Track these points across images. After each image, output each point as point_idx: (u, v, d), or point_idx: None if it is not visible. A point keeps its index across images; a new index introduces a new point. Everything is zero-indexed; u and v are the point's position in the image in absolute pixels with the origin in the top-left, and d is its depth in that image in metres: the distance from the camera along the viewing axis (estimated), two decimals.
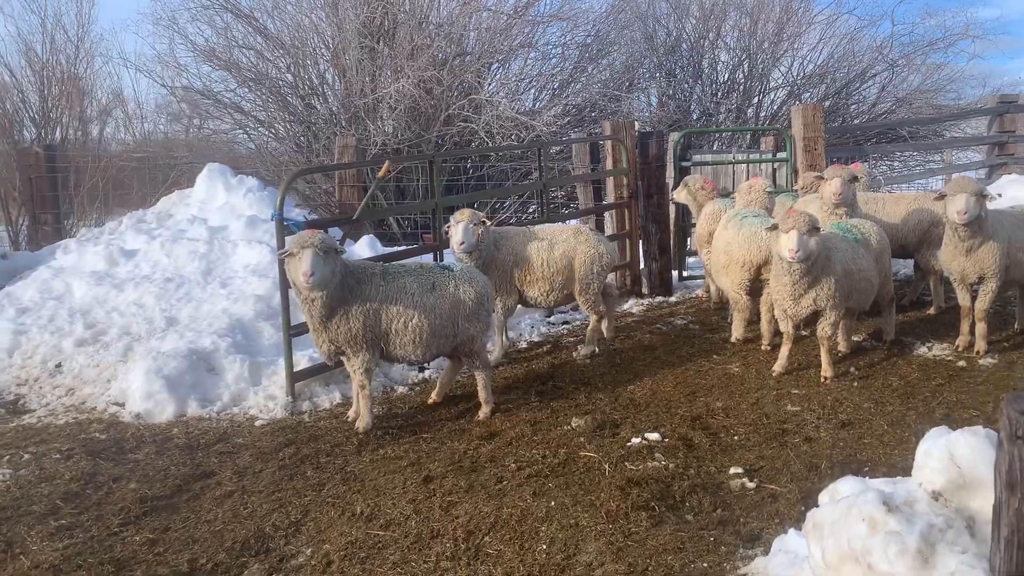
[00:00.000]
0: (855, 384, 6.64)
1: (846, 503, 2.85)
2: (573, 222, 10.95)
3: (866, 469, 5.13)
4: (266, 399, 6.38)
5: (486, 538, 4.36)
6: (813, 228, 6.24)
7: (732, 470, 5.12)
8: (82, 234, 9.84)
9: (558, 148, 15.32)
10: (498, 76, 17.10)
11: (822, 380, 6.69)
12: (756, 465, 5.21)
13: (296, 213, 9.12)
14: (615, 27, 18.28)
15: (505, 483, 4.98)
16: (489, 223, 6.97)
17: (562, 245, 7.32)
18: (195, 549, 4.41)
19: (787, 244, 6.28)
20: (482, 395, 6.16)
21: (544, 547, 4.22)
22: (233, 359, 6.62)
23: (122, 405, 6.38)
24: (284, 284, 6.31)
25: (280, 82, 16.24)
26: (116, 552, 4.37)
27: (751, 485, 4.92)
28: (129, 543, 4.47)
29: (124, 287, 7.94)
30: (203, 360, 6.58)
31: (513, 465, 5.22)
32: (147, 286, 7.87)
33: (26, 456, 5.53)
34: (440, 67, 15.24)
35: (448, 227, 6.89)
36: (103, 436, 5.89)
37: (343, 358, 5.87)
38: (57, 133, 15.59)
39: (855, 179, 7.60)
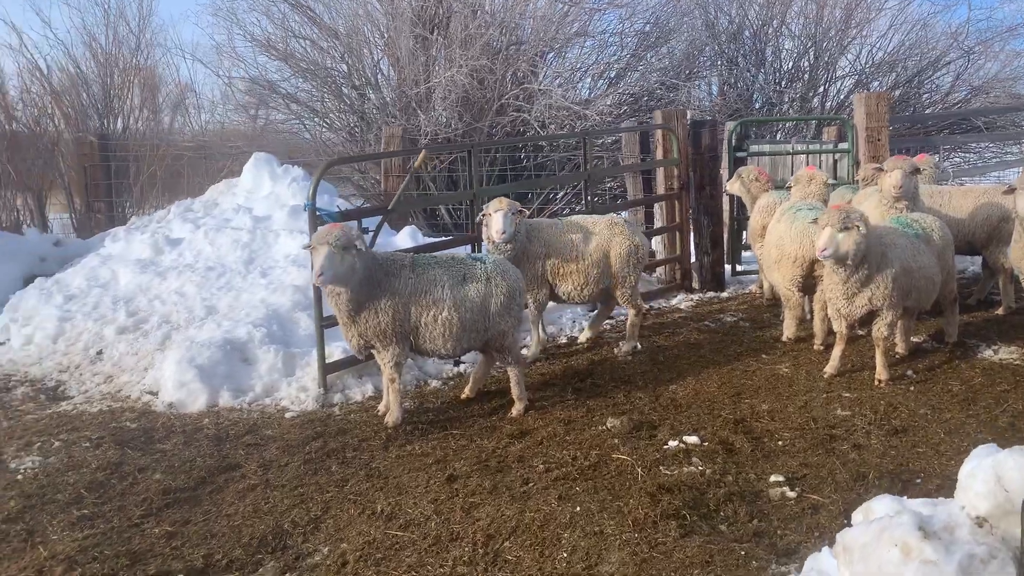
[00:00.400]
0: (911, 388, 6.27)
1: (879, 525, 2.59)
2: (624, 214, 10.70)
3: (918, 480, 4.82)
4: (298, 390, 6.31)
5: (506, 543, 4.19)
6: (849, 226, 5.91)
7: (772, 478, 4.85)
8: (132, 222, 9.96)
9: (612, 138, 15.00)
10: (553, 65, 16.85)
11: (876, 383, 6.34)
12: (799, 473, 4.93)
13: (340, 203, 9.05)
14: (675, 14, 17.85)
15: (531, 485, 4.80)
16: (525, 213, 6.78)
17: (597, 237, 7.09)
18: (212, 544, 4.33)
19: (818, 242, 6.00)
20: (515, 392, 5.99)
21: (565, 555, 4.03)
22: (267, 349, 6.57)
23: (155, 394, 6.38)
24: None
25: (335, 72, 16.28)
26: (133, 544, 4.32)
27: (792, 495, 4.65)
28: (148, 535, 4.42)
29: (167, 275, 7.98)
30: (237, 350, 6.55)
31: (541, 466, 5.04)
32: (189, 275, 7.89)
33: (56, 444, 5.55)
34: (494, 56, 15.07)
35: (483, 216, 6.71)
36: (134, 425, 5.89)
37: (373, 351, 5.75)
38: (119, 123, 15.89)
39: (917, 171, 7.18)
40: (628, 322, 7.41)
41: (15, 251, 9.12)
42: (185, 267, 8.11)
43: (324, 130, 16.71)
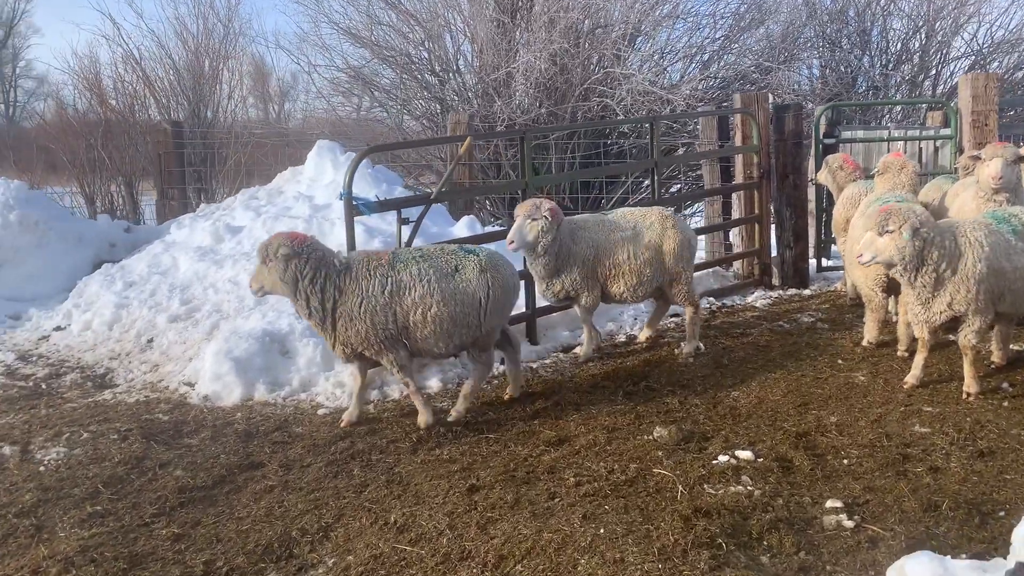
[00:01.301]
0: (1005, 404, 5.58)
1: None
2: (702, 204, 10.11)
3: (1001, 514, 4.21)
4: (335, 386, 6.11)
5: (518, 566, 3.83)
6: (890, 229, 5.41)
7: (829, 503, 4.32)
8: (201, 209, 10.01)
9: (695, 123, 14.32)
10: (642, 49, 16.23)
11: (964, 396, 5.68)
12: (861, 498, 4.39)
13: (399, 190, 8.84)
14: None
15: (557, 500, 4.42)
16: (559, 216, 6.26)
17: (648, 232, 6.62)
18: (216, 549, 4.14)
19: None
20: (458, 406, 5.65)
21: None
22: (307, 342, 6.39)
23: (193, 386, 6.29)
24: None
25: (417, 60, 16.14)
26: (137, 546, 4.17)
27: (849, 524, 4.12)
28: (154, 536, 4.26)
29: (224, 263, 7.94)
30: (277, 342, 6.40)
31: (572, 479, 4.64)
32: (244, 263, 7.81)
33: (85, 435, 5.49)
34: (576, 40, 14.61)
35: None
36: (166, 418, 5.79)
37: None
38: (208, 111, 16.20)
39: (1021, 159, 6.40)
40: (687, 321, 6.92)
41: (87, 237, 9.28)
42: (242, 255, 8.04)
43: (405, 116, 16.63)
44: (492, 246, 6.22)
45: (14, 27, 43.21)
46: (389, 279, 5.29)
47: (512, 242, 6.08)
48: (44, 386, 6.61)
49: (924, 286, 5.52)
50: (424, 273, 5.32)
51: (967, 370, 5.72)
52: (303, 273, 5.20)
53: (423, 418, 5.46)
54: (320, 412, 5.85)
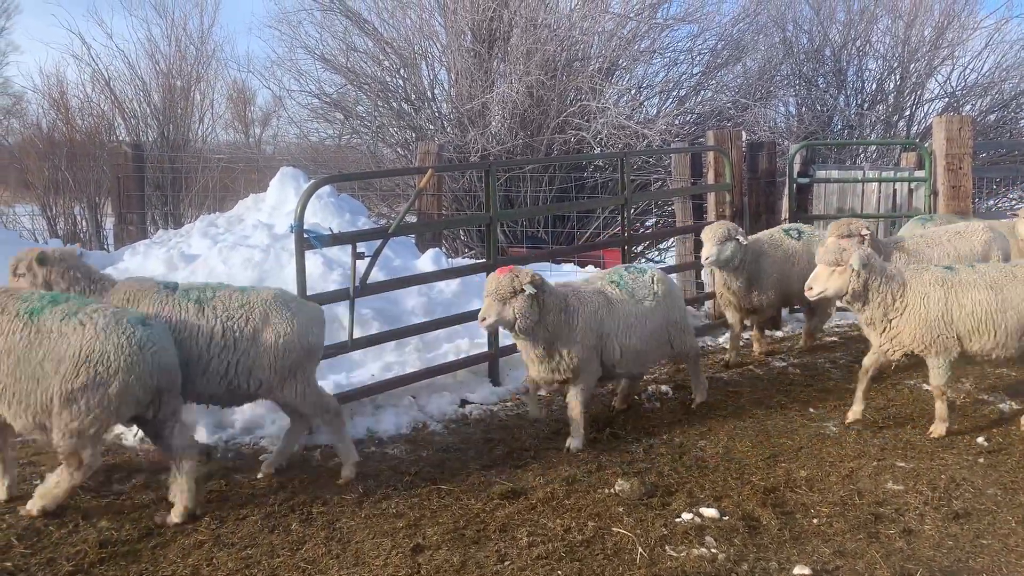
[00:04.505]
0: (981, 460, 5.36)
1: None
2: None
3: None
4: (280, 430, 5.74)
5: None
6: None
7: (796, 570, 4.07)
8: (157, 235, 9.66)
9: (670, 158, 14.19)
10: (621, 83, 16.16)
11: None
12: (830, 564, 4.14)
13: (362, 221, 8.54)
14: (749, 31, 16.98)
15: (507, 564, 4.11)
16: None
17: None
18: None
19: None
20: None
21: None
22: None
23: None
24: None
25: (392, 87, 15.95)
26: None
27: None
28: None
29: None
30: None
31: (525, 539, 4.34)
32: None
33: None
34: (552, 72, 14.50)
35: None
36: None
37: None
38: (177, 133, 15.87)
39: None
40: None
41: None
42: None
43: (381, 145, 16.40)
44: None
45: None
46: None
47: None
48: None
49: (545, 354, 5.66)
50: None
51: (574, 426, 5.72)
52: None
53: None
54: (262, 458, 5.49)
